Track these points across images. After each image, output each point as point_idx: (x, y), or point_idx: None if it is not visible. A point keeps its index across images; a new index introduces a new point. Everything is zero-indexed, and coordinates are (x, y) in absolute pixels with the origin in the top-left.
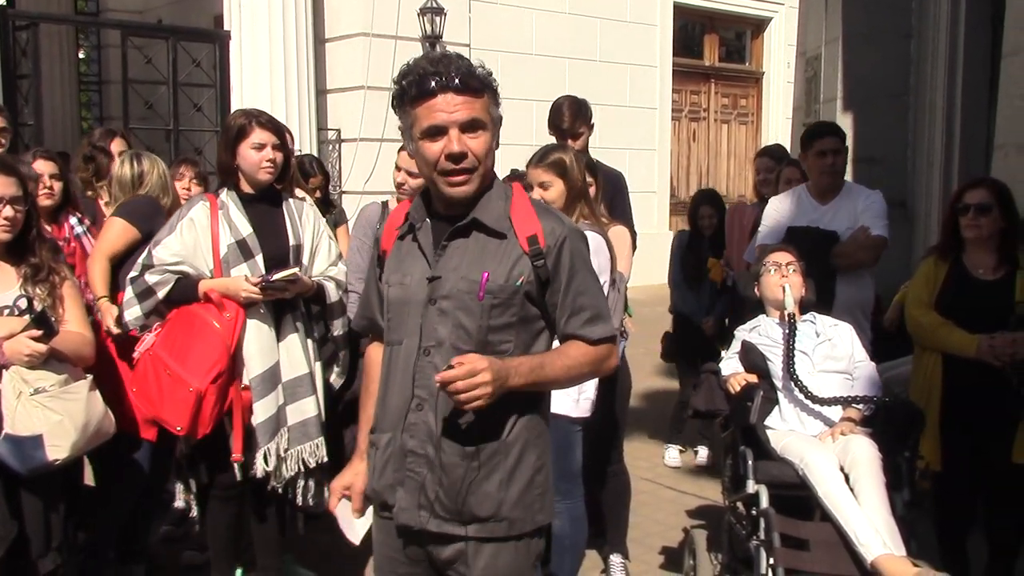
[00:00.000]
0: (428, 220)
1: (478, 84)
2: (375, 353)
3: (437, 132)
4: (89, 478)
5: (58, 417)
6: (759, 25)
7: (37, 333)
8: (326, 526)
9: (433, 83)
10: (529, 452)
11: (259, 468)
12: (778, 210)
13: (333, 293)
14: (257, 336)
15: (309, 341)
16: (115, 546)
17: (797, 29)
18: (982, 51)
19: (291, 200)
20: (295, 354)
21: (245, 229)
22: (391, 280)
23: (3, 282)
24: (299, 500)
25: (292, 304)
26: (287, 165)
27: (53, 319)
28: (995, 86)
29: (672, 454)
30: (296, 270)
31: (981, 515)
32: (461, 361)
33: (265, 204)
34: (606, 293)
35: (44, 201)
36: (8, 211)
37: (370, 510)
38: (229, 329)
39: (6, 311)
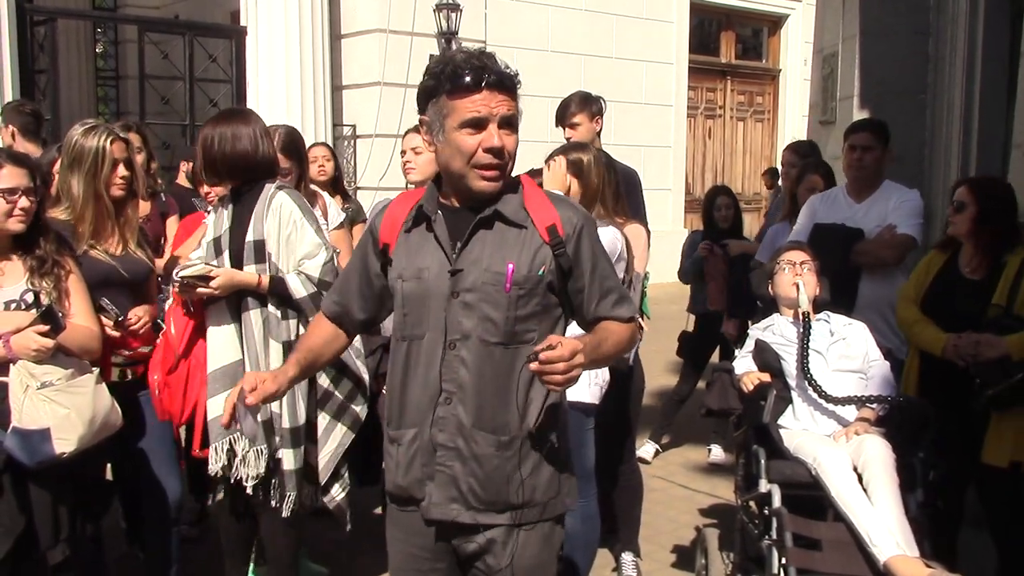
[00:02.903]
0: (440, 212)
1: (512, 85)
2: (323, 323)
3: (477, 124)
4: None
5: (65, 411)
6: (776, 22)
7: (44, 328)
8: (337, 523)
9: (477, 77)
10: (555, 436)
11: (211, 464)
12: (813, 208)
13: (297, 288)
14: (215, 333)
15: (272, 341)
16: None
17: (814, 26)
18: (1001, 49)
19: (269, 191)
20: (253, 353)
21: (223, 226)
22: (405, 274)
23: (11, 276)
24: (272, 502)
25: (256, 301)
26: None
27: (60, 313)
28: (1014, 84)
29: (648, 449)
30: (202, 266)
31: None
32: (559, 341)
33: (248, 198)
34: None
35: None
36: (24, 202)
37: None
38: (180, 325)
39: (12, 305)
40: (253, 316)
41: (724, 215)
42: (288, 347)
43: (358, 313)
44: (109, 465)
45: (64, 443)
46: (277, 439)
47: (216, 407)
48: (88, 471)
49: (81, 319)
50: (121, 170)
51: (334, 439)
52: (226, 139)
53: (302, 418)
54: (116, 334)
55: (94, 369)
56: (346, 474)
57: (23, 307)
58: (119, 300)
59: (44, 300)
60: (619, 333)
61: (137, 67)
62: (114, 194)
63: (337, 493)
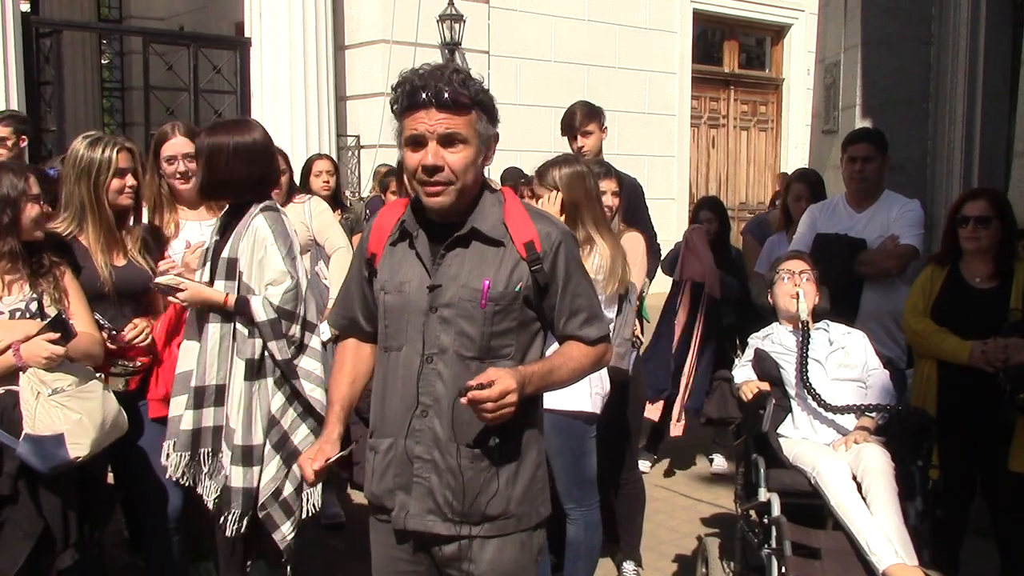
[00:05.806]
0: (421, 228)
1: (465, 100)
2: (353, 344)
3: (416, 142)
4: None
5: (77, 416)
6: (779, 32)
7: (55, 336)
8: (335, 532)
9: (420, 96)
10: (530, 449)
11: (168, 469)
12: (813, 217)
13: (259, 312)
14: (186, 338)
15: (236, 358)
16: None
17: (816, 35)
18: (1003, 58)
19: (255, 211)
20: (201, 366)
21: (212, 239)
22: (387, 287)
23: (16, 285)
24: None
25: (219, 316)
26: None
27: (70, 321)
28: (1015, 93)
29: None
30: (172, 278)
31: (990, 522)
32: (491, 379)
33: (239, 213)
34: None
35: None
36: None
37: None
38: (162, 322)
39: (17, 314)
40: (211, 329)
41: (708, 228)
42: (251, 365)
43: (364, 323)
44: (111, 474)
45: (78, 447)
46: (228, 452)
47: (177, 406)
48: (94, 475)
49: (81, 325)
50: (129, 179)
51: (269, 470)
52: (228, 152)
53: (256, 438)
54: (112, 347)
55: (98, 375)
56: (299, 514)
57: (27, 316)
58: (121, 311)
59: (47, 303)
60: (579, 359)
61: (142, 78)
62: (122, 203)
63: (288, 531)
